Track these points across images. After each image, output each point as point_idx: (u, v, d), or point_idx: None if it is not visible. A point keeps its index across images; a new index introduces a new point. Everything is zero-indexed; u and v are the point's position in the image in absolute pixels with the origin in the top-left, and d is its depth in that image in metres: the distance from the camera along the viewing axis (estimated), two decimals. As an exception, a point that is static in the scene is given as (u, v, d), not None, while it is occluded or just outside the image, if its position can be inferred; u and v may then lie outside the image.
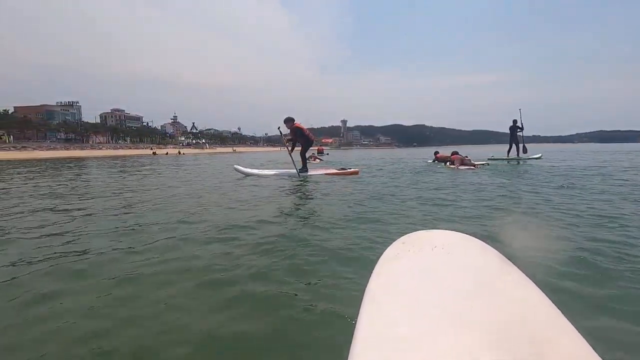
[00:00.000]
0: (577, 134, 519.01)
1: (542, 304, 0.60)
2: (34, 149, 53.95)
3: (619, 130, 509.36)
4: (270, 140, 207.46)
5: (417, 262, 0.75)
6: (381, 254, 0.84)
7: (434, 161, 12.06)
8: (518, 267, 0.72)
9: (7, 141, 60.86)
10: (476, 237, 0.84)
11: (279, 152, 51.65)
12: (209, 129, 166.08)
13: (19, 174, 11.31)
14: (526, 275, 0.68)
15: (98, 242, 2.67)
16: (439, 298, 0.61)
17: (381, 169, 10.46)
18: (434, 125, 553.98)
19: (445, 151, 12.83)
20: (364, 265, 1.95)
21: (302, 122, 8.19)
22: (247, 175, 7.93)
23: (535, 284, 0.65)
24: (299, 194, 5.39)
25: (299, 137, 7.86)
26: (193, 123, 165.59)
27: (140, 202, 4.55)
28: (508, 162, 12.84)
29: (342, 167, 8.86)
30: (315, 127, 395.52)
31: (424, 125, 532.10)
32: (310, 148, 8.70)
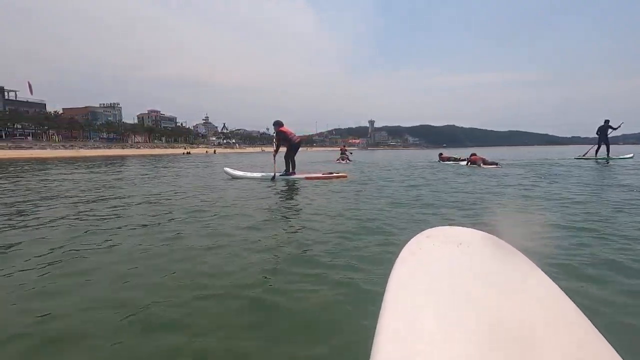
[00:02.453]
0: (622, 135, 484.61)
1: (567, 309, 0.60)
2: (80, 147, 58.00)
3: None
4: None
5: (443, 258, 0.76)
6: (403, 245, 0.84)
7: (438, 161, 14.11)
8: (545, 273, 0.73)
9: (57, 140, 65.72)
10: (502, 238, 0.85)
11: (305, 152, 52.40)
12: (239, 129, 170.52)
13: (76, 168, 12.49)
14: (552, 280, 0.69)
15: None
16: (465, 296, 0.62)
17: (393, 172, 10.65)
18: (465, 126, 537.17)
19: (481, 152, 14.08)
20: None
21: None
22: (235, 177, 8.15)
23: (561, 289, 0.66)
24: (278, 196, 5.56)
25: (283, 141, 8.05)
26: (224, 124, 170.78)
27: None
28: (597, 161, 12.91)
29: (329, 171, 8.50)
30: (343, 128, 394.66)
31: (454, 125, 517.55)
32: (339, 149, 8.82)
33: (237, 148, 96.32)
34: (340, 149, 19.70)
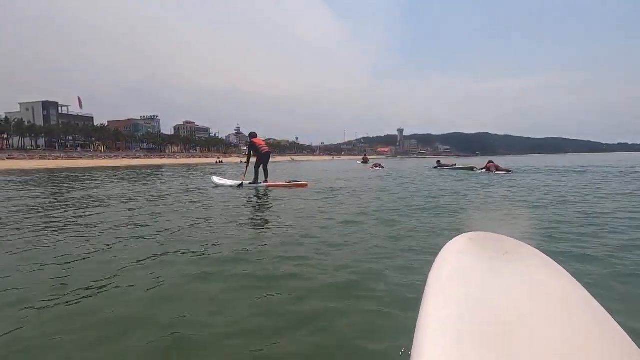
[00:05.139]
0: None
1: (611, 330, 0.58)
2: (123, 157, 62.14)
3: None
4: (326, 149, 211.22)
5: (487, 265, 0.74)
6: (444, 244, 0.84)
7: (435, 167, 16.59)
8: (588, 291, 0.71)
9: (102, 150, 70.69)
10: (547, 253, 0.84)
11: (332, 161, 52.92)
12: (269, 139, 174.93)
13: (128, 175, 13.73)
14: (596, 300, 0.67)
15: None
16: (506, 307, 0.60)
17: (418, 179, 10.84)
18: (499, 133, 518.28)
19: (511, 159, 15.28)
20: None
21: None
22: (218, 185, 8.86)
23: (605, 309, 0.64)
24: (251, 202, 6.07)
25: (254, 151, 8.75)
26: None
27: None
28: None
29: (291, 180, 8.87)
30: (371, 136, 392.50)
31: (487, 133, 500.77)
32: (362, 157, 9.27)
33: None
34: (363, 158, 24.03)
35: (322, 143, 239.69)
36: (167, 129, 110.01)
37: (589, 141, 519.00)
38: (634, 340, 0.57)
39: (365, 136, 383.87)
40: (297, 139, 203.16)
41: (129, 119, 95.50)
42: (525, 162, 22.59)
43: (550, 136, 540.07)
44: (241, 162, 59.78)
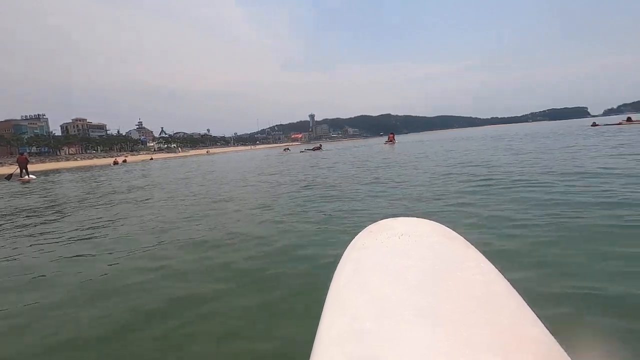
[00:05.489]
0: (531, 113, 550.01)
1: (506, 292, 0.60)
2: (11, 164, 55.45)
3: (567, 108, 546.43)
4: (241, 140, 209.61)
5: (384, 252, 0.74)
6: (349, 242, 0.84)
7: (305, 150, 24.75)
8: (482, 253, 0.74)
9: (-20, 159, 61.44)
10: (442, 223, 0.87)
11: (248, 152, 55.17)
12: (178, 133, 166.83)
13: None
14: (490, 262, 0.70)
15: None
16: (405, 289, 0.59)
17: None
18: (400, 114, 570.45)
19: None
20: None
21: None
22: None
23: (499, 270, 0.67)
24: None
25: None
26: (162, 128, 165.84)
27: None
28: None
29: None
30: (284, 124, 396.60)
31: (389, 114, 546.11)
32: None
33: (179, 152, 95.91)
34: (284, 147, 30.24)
35: (236, 133, 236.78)
36: (58, 129, 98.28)
37: (470, 117, 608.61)
38: (522, 296, 0.61)
39: (279, 124, 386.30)
40: (208, 130, 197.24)
41: (6, 120, 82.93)
42: (415, 137, 28.64)
43: (441, 114, 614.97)
44: (151, 158, 58.28)
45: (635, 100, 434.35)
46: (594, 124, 24.63)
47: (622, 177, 4.58)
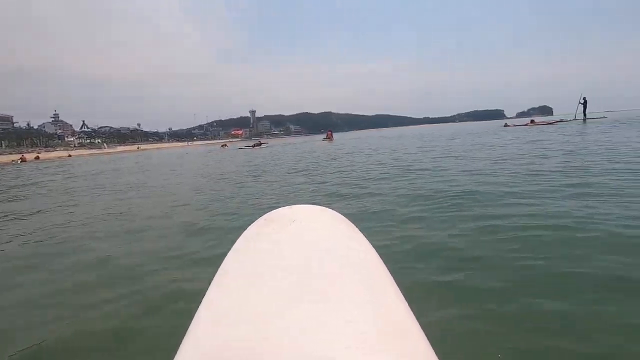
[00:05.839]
0: (458, 114, 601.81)
1: (370, 259, 0.65)
2: None
3: (488, 110, 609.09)
4: (176, 135, 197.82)
5: (275, 239, 0.75)
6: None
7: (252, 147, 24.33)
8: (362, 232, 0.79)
9: None
10: (331, 208, 0.90)
11: (185, 147, 52.49)
12: (103, 127, 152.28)
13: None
14: (368, 240, 0.75)
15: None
16: (288, 272, 0.60)
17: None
18: (340, 112, 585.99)
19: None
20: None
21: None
22: None
23: (374, 247, 0.72)
24: None
25: None
26: (83, 121, 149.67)
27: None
28: None
29: None
30: (224, 119, 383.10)
31: (330, 112, 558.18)
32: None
33: (105, 148, 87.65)
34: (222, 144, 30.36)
35: (170, 129, 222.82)
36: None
37: (405, 116, 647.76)
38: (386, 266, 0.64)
39: (218, 119, 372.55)
40: (139, 125, 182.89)
41: None
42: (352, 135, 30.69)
43: (379, 113, 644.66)
44: (69, 155, 52.85)
45: (541, 104, 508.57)
46: (506, 125, 28.70)
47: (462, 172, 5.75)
